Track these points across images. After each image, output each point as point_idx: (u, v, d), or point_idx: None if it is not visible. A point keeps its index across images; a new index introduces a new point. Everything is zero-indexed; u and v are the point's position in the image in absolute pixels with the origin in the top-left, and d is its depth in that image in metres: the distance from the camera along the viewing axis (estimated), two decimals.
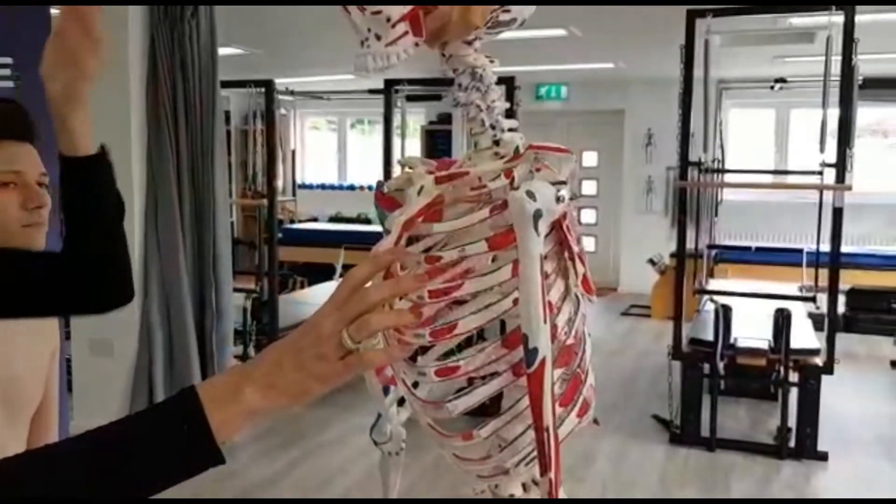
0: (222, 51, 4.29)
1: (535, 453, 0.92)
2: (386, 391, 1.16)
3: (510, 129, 0.95)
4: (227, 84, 4.72)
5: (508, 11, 0.93)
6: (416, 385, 0.95)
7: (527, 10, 0.95)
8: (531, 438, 0.90)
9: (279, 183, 8.41)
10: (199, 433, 0.69)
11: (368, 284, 0.72)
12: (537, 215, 0.85)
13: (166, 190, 4.06)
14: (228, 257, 4.29)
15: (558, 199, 0.88)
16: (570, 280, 0.96)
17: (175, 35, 4.02)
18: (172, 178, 4.06)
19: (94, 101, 0.98)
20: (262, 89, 5.62)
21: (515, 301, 0.89)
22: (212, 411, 0.69)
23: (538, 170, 0.92)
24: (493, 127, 0.95)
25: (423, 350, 0.95)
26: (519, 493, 1.01)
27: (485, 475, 1.00)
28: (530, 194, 0.86)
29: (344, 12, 0.86)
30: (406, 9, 0.85)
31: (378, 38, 0.86)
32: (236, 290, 4.69)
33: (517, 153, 0.93)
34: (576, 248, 0.94)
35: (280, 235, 6.62)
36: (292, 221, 9.59)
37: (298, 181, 10.36)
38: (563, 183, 0.89)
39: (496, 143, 0.95)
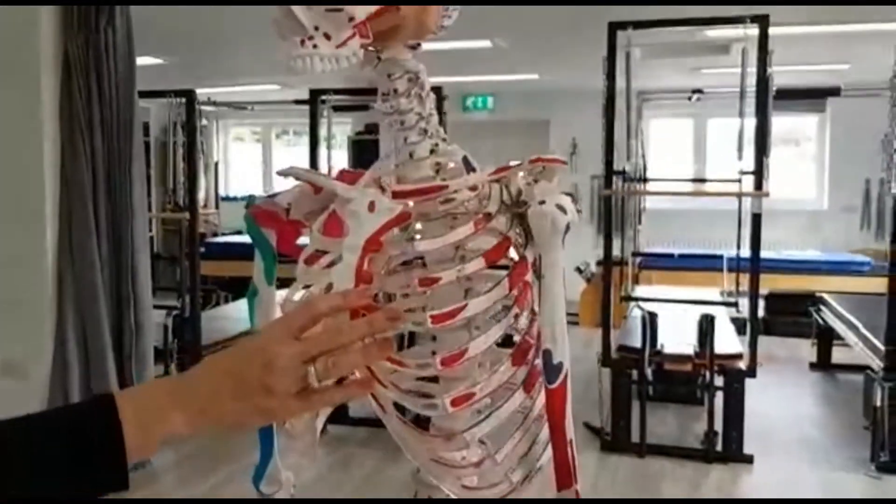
0: (141, 60, 4.14)
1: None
2: (268, 434, 1.03)
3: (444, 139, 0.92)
4: (145, 94, 4.55)
5: (450, 17, 0.90)
6: (418, 419, 0.90)
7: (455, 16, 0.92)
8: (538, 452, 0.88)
9: (201, 195, 8.22)
10: (109, 455, 0.60)
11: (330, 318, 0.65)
12: (567, 228, 0.83)
13: (81, 204, 3.88)
14: (147, 273, 4.13)
15: (579, 211, 0.87)
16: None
17: (90, 44, 3.85)
18: (88, 192, 3.89)
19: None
20: (183, 99, 5.46)
21: (516, 316, 0.86)
22: (130, 433, 0.60)
23: (536, 181, 0.89)
24: (430, 136, 0.91)
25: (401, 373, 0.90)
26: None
27: (497, 496, 0.96)
28: (560, 207, 0.84)
29: (283, 6, 0.78)
30: (373, 8, 0.79)
31: (328, 37, 0.79)
32: (157, 307, 4.53)
33: (507, 166, 0.90)
34: None
35: (202, 249, 6.45)
36: (215, 235, 9.35)
37: (222, 193, 10.14)
38: (571, 194, 0.88)
39: (432, 152, 0.91)
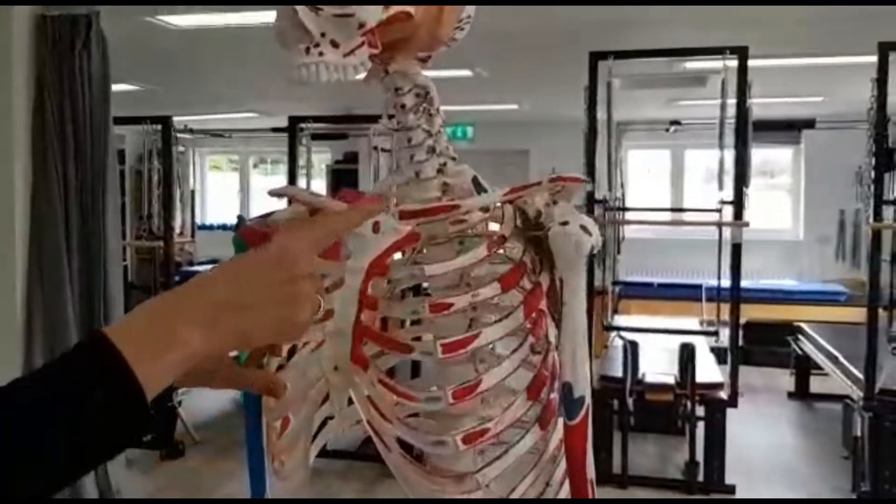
0: (118, 87, 4.09)
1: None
2: (258, 464, 0.97)
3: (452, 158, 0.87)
4: (121, 120, 4.49)
5: (462, 29, 0.86)
6: (420, 457, 0.83)
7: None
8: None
9: (177, 224, 8.11)
10: (123, 398, 0.50)
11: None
12: (591, 251, 0.79)
13: (52, 232, 3.79)
14: (120, 303, 4.04)
15: (602, 235, 0.83)
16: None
17: (64, 69, 3.80)
18: (59, 218, 3.80)
19: None
20: (159, 126, 5.40)
21: (532, 347, 0.81)
22: (138, 365, 0.51)
23: (555, 202, 0.85)
24: (439, 154, 0.86)
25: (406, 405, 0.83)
26: None
27: None
28: (584, 229, 0.79)
29: (286, 12, 0.73)
30: (390, 11, 0.74)
31: (335, 45, 0.73)
32: None
33: (523, 185, 0.85)
34: None
35: (177, 278, 6.34)
36: (191, 263, 9.22)
37: (198, 222, 10.02)
38: (594, 216, 0.85)
39: (440, 171, 0.86)
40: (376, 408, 0.76)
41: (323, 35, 0.73)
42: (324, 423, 0.88)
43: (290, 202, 0.88)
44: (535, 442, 0.83)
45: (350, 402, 0.64)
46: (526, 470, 0.83)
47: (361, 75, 0.78)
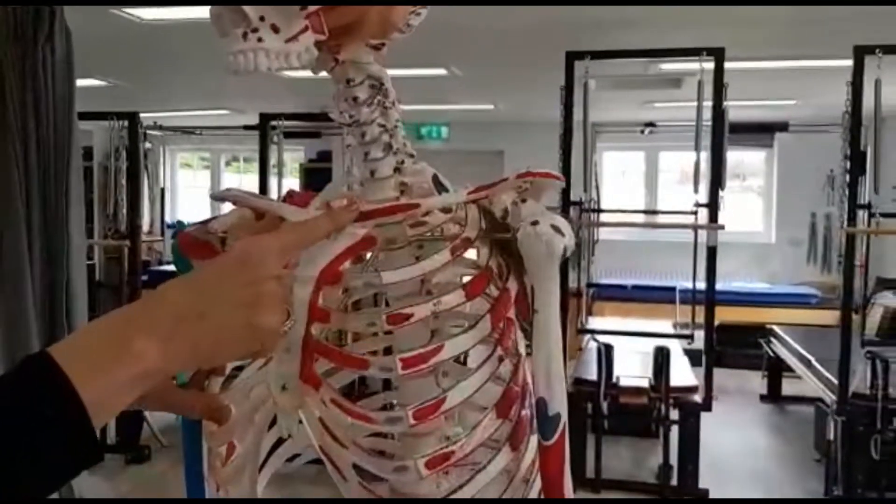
0: (84, 82, 3.97)
1: None
2: (198, 485, 0.86)
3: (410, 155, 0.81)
4: (87, 115, 4.36)
5: (419, 14, 0.80)
6: (377, 480, 0.76)
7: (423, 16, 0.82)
8: None
9: (145, 222, 7.96)
10: (65, 421, 0.45)
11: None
12: (565, 253, 0.73)
13: (13, 230, 3.66)
14: (83, 301, 3.89)
15: (577, 239, 0.77)
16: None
17: (26, 63, 3.67)
18: (21, 216, 3.68)
19: None
20: (125, 122, 5.28)
21: (500, 359, 0.75)
22: (84, 382, 0.46)
23: (523, 200, 0.79)
24: (395, 152, 0.80)
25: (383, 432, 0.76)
26: None
27: None
28: (556, 229, 0.73)
29: None
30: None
31: (276, 30, 0.66)
32: None
33: (489, 184, 0.79)
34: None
35: (145, 278, 6.22)
36: (160, 263, 9.07)
37: (168, 220, 9.87)
38: (567, 216, 0.78)
39: (397, 170, 0.80)
40: (329, 431, 0.69)
41: (262, 18, 0.66)
42: (273, 450, 0.82)
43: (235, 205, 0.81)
44: (506, 463, 0.76)
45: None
46: (497, 493, 0.77)
47: (304, 64, 0.71)
